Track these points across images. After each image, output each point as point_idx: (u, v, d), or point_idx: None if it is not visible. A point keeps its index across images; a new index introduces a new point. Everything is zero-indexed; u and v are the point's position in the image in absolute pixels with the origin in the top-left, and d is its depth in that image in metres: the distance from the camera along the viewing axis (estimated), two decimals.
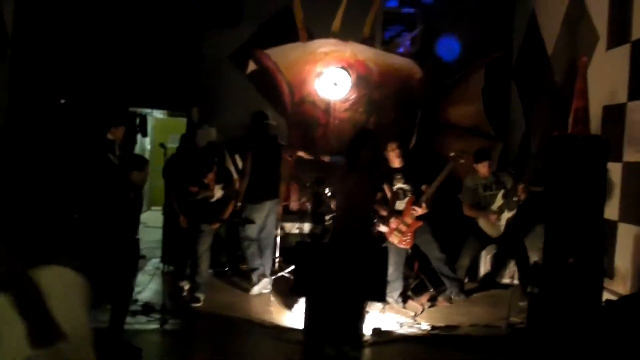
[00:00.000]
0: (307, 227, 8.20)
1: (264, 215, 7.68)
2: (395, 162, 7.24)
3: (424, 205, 6.97)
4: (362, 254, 5.84)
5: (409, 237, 7.01)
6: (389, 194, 7.11)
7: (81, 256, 6.51)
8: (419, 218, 7.01)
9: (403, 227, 7.00)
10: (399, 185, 7.16)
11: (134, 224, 6.67)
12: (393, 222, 7.03)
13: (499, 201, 7.39)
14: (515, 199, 7.25)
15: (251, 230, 7.57)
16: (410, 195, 7.09)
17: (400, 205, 7.14)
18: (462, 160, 7.13)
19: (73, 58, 9.53)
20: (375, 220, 7.08)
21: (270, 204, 7.74)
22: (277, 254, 8.28)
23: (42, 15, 9.64)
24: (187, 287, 7.38)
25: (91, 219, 7.83)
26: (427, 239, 7.19)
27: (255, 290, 7.59)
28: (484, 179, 7.53)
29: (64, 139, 8.53)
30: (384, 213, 7.05)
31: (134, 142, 10.16)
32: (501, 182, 7.49)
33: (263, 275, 7.69)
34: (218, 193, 7.29)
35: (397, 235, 7.01)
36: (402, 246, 7.03)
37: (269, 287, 7.66)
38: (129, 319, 6.45)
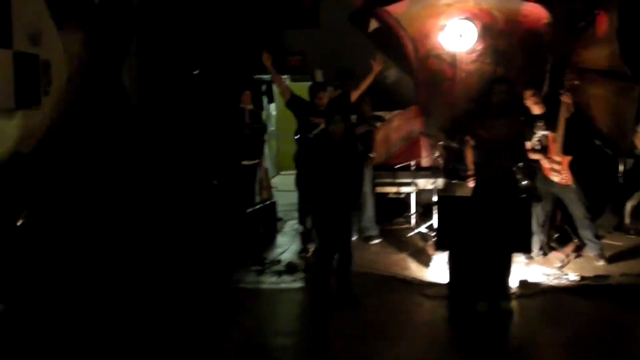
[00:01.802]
0: (440, 182, 8.12)
1: None
2: (535, 109, 7.00)
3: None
4: (506, 206, 5.78)
5: (566, 173, 6.77)
6: (530, 145, 6.94)
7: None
8: None
9: (556, 166, 6.78)
10: (541, 132, 6.90)
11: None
12: (545, 163, 6.85)
13: None
14: None
15: None
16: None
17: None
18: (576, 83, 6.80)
19: (197, 29, 9.77)
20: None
21: None
22: (413, 210, 8.34)
23: None
24: (312, 248, 7.47)
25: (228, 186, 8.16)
26: (572, 198, 6.90)
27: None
28: None
29: (199, 109, 8.83)
30: (536, 157, 6.93)
31: (261, 108, 10.39)
32: None
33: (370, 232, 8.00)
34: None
35: (555, 175, 6.81)
36: (563, 183, 6.81)
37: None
38: (274, 279, 6.73)
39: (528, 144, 6.96)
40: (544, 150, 6.89)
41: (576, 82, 6.80)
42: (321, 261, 6.03)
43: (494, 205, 5.76)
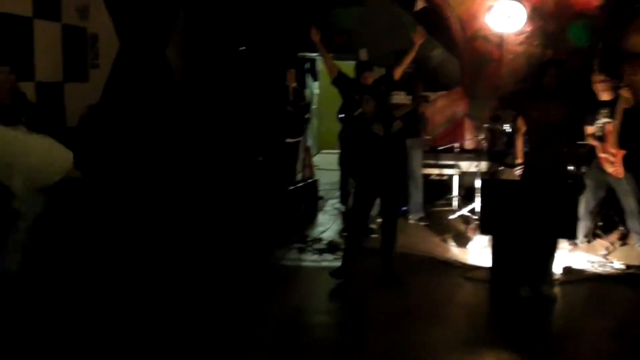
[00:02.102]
0: (484, 165, 8.02)
1: None
2: (603, 95, 6.82)
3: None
4: (553, 191, 5.72)
5: (619, 166, 6.65)
6: (590, 130, 6.85)
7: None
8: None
9: (610, 157, 6.66)
10: (603, 119, 6.76)
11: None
12: (601, 152, 6.75)
13: None
14: None
15: None
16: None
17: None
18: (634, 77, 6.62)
19: (243, 7, 9.79)
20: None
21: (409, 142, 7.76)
22: (456, 193, 8.29)
23: None
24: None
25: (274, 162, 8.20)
26: (625, 189, 6.74)
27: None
28: None
29: (245, 85, 8.86)
30: (595, 144, 6.83)
31: (305, 86, 10.39)
32: None
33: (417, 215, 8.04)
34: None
35: (609, 166, 6.70)
36: (614, 175, 6.70)
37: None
38: (316, 257, 6.77)
39: (589, 129, 6.84)
40: (602, 138, 6.75)
41: (634, 77, 6.63)
42: (350, 239, 6.09)
43: (543, 189, 5.69)
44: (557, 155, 6.14)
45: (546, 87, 6.11)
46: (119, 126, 7.61)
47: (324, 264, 6.63)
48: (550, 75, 6.10)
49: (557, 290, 5.83)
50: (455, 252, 7.01)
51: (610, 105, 6.70)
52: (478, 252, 6.81)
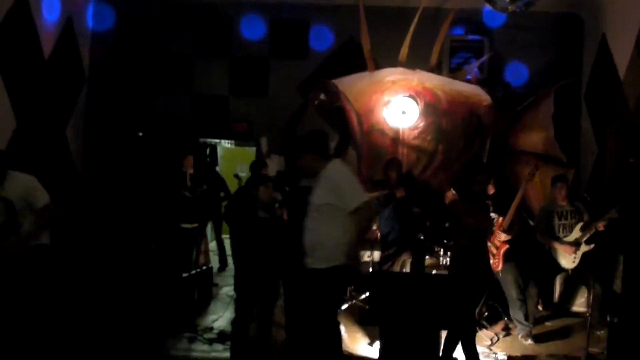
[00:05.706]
0: (377, 254, 8.15)
1: None
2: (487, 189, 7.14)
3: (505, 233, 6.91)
4: (438, 284, 5.86)
5: (498, 261, 6.95)
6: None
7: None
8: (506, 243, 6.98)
9: (493, 250, 6.93)
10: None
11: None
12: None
13: (576, 233, 7.15)
14: (592, 231, 7.03)
15: None
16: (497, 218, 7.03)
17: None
18: (534, 176, 7.06)
19: (145, 92, 9.88)
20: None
21: None
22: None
23: (115, 55, 10.05)
24: None
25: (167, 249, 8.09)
26: (508, 279, 7.07)
27: None
28: (560, 207, 7.32)
29: (142, 171, 8.81)
30: None
31: (205, 171, 10.41)
32: (579, 212, 7.25)
33: None
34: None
35: (490, 257, 6.94)
36: (493, 267, 6.92)
37: None
38: (205, 347, 6.64)
39: None
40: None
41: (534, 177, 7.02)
42: (236, 329, 6.03)
43: (424, 281, 5.83)
44: (484, 255, 6.20)
45: (475, 193, 6.07)
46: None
47: (213, 354, 6.51)
48: (480, 182, 6.08)
49: None
50: (345, 342, 7.00)
51: (492, 198, 7.03)
52: (368, 343, 6.85)
